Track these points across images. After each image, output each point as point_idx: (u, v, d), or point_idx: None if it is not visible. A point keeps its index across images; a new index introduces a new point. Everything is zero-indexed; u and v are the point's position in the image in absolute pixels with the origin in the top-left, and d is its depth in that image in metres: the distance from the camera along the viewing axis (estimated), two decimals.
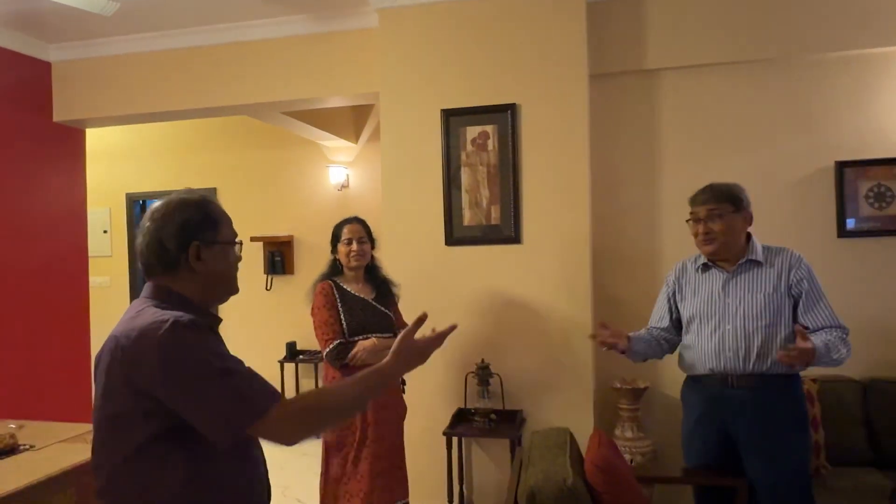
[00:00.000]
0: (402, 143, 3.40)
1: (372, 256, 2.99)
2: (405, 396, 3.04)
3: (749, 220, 2.39)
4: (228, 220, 1.46)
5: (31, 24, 3.81)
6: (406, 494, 2.93)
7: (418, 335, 1.49)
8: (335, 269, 2.95)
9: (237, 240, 1.48)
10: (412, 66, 3.38)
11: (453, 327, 1.53)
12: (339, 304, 2.84)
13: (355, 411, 1.37)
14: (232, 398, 1.23)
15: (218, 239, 1.41)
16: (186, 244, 1.36)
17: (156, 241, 1.36)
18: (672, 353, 2.61)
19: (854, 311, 3.10)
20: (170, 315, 1.26)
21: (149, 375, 1.23)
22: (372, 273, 2.99)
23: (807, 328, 2.21)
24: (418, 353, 1.46)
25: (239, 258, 1.48)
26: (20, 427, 2.57)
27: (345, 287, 2.90)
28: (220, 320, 1.46)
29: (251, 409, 1.23)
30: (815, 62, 3.26)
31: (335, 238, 2.95)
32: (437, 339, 1.51)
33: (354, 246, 2.88)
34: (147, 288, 1.41)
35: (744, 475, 2.30)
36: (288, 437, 1.28)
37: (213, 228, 1.40)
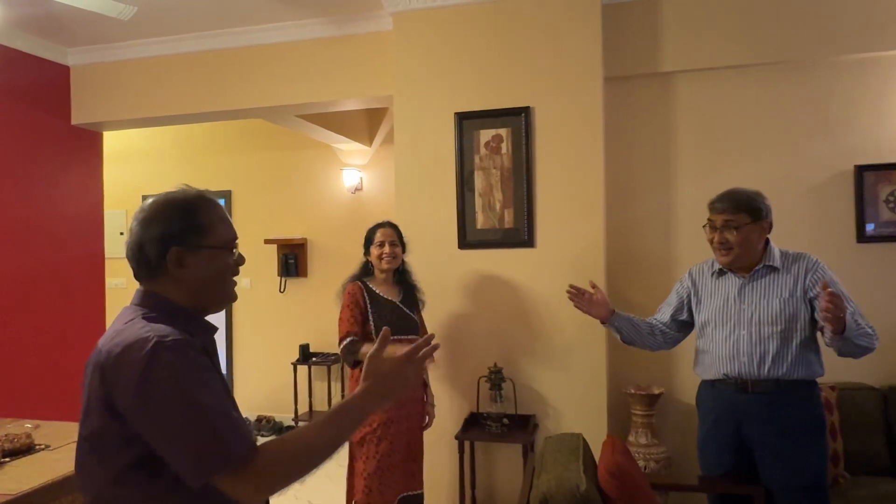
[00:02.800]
0: (415, 146, 3.40)
1: (403, 261, 3.07)
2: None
3: (768, 228, 2.35)
4: (224, 223, 1.32)
5: (50, 29, 3.86)
6: (418, 486, 2.98)
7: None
8: (366, 270, 3.05)
9: (235, 243, 1.34)
10: (426, 69, 3.38)
11: (430, 340, 1.35)
12: (369, 306, 2.93)
13: (334, 452, 1.21)
14: (205, 437, 1.11)
15: (205, 243, 1.28)
16: (165, 250, 1.24)
17: (137, 246, 1.26)
18: (667, 348, 2.62)
19: (874, 318, 3.04)
20: (153, 334, 1.15)
21: (124, 400, 1.14)
22: (401, 276, 3.07)
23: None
24: (393, 373, 1.28)
25: (237, 262, 1.35)
26: (36, 427, 2.60)
27: (374, 289, 2.99)
28: (215, 329, 1.36)
29: (224, 453, 1.11)
30: (834, 65, 3.22)
31: (368, 241, 3.03)
32: (412, 354, 1.30)
33: (387, 248, 2.97)
34: (137, 294, 1.31)
35: (759, 482, 2.28)
36: (262, 492, 1.14)
37: (199, 232, 1.27)
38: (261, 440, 5.17)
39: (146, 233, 1.26)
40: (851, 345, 2.15)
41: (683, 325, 2.56)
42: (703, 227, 2.40)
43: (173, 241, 1.25)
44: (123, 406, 1.14)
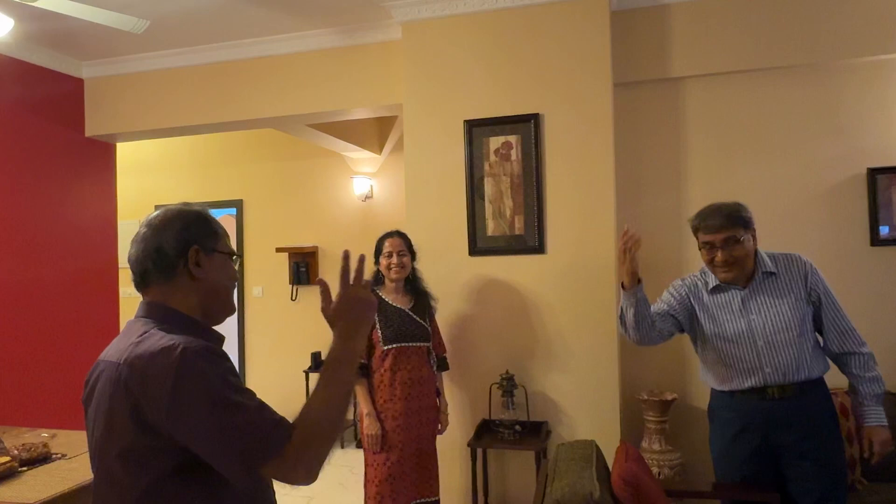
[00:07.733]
0: (425, 154, 3.42)
1: (413, 268, 3.09)
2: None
3: (756, 236, 2.32)
4: (227, 235, 1.41)
5: (64, 43, 3.92)
6: (431, 493, 2.98)
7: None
8: (377, 279, 3.08)
9: (235, 256, 1.41)
10: (435, 77, 3.40)
11: (360, 257, 1.36)
12: (376, 314, 2.94)
13: (347, 404, 1.25)
14: (246, 434, 1.13)
15: (217, 248, 1.34)
16: (186, 248, 1.29)
17: (153, 247, 1.29)
18: (651, 344, 2.44)
19: (888, 321, 3.04)
20: (179, 341, 1.16)
21: (157, 409, 1.13)
22: (412, 284, 3.10)
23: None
24: (346, 305, 1.30)
25: (236, 275, 1.42)
26: (53, 436, 2.62)
27: (383, 297, 3.01)
28: (223, 339, 1.38)
29: (267, 445, 1.13)
30: (844, 68, 3.20)
31: (377, 251, 3.06)
32: (343, 279, 1.32)
33: (395, 259, 3.00)
34: (142, 307, 1.31)
35: (775, 489, 2.26)
36: (308, 469, 1.16)
37: (212, 237, 1.34)
38: None
39: (162, 235, 1.29)
40: None
41: (678, 329, 2.47)
42: (700, 249, 2.33)
43: (193, 240, 1.30)
44: (156, 418, 1.14)
